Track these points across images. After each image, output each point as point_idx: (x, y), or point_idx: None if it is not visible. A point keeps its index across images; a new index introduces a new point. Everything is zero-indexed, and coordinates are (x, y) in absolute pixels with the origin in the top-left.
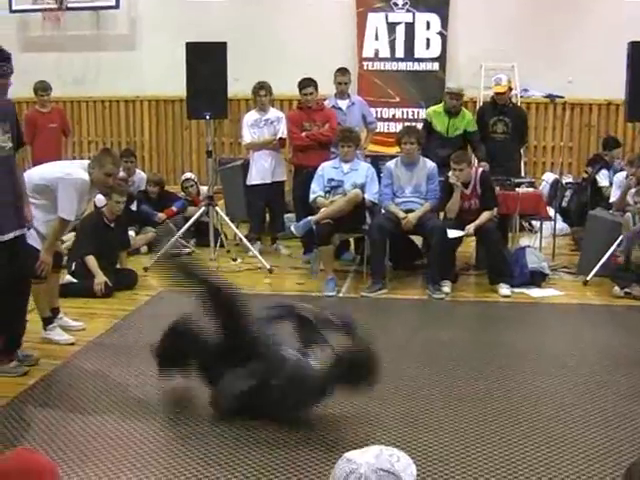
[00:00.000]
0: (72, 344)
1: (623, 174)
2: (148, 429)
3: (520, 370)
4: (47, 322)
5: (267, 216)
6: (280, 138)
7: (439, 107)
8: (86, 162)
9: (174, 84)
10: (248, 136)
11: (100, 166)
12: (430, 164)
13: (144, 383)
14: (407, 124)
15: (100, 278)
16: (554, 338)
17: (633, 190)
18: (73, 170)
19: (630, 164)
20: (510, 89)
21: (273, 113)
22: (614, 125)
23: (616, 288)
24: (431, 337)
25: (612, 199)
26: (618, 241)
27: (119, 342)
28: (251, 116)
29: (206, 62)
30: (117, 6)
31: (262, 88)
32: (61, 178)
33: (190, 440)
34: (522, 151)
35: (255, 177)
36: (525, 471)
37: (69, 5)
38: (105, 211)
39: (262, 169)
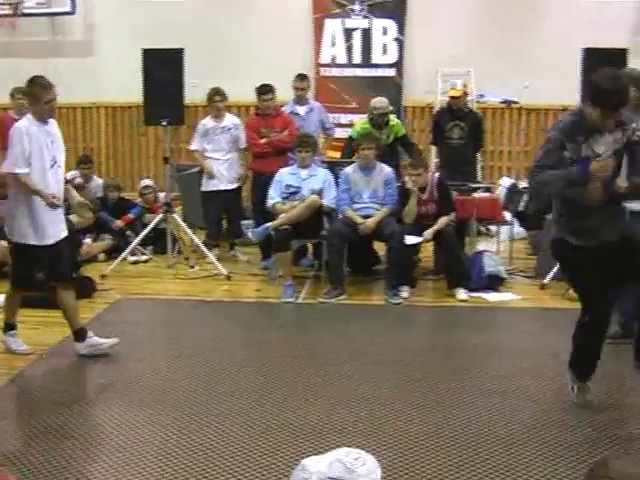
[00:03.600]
0: (30, 354)
1: None
2: (100, 449)
3: (479, 373)
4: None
5: (224, 222)
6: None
7: (365, 123)
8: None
9: (131, 90)
10: (195, 145)
11: (37, 100)
12: (387, 169)
13: (103, 392)
14: None
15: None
16: (512, 341)
17: None
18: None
19: None
20: (466, 94)
21: (229, 120)
22: None
23: (571, 291)
24: (390, 342)
25: None
26: None
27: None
28: (207, 124)
29: (163, 68)
30: (73, 12)
31: (217, 94)
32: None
33: (139, 462)
34: (478, 156)
35: (210, 184)
36: (488, 473)
37: (24, 11)
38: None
39: (218, 176)
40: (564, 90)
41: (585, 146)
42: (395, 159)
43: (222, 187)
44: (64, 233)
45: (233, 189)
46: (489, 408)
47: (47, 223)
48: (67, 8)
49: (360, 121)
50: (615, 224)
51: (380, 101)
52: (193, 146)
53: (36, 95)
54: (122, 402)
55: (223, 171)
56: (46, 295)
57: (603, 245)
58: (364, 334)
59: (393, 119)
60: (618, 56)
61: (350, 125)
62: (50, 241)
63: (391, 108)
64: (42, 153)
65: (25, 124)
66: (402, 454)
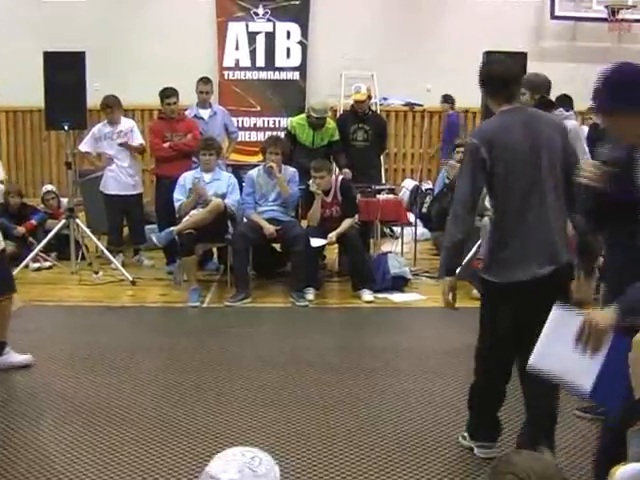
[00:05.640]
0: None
1: None
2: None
3: (384, 373)
4: None
5: (127, 227)
6: (139, 145)
7: (302, 119)
8: None
9: (32, 94)
10: (86, 147)
11: None
12: (290, 170)
13: (7, 402)
14: (270, 133)
15: None
16: (417, 341)
17: None
18: None
19: None
20: (370, 97)
21: (124, 124)
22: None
23: (475, 291)
24: (296, 344)
25: None
26: (477, 245)
27: None
28: (103, 129)
29: (65, 71)
30: None
31: (108, 106)
32: None
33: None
34: (382, 158)
35: (113, 187)
36: (386, 470)
37: None
38: None
39: (119, 180)
40: (466, 93)
41: None
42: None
43: (123, 192)
44: None
45: (134, 195)
46: (390, 408)
47: None
48: None
49: (297, 117)
50: None
51: (319, 103)
52: (84, 148)
53: None
54: (27, 410)
55: (123, 177)
56: None
57: None
58: (270, 337)
59: (330, 122)
60: (518, 59)
61: (253, 128)
62: None
63: (329, 113)
64: None
65: None
66: (303, 455)
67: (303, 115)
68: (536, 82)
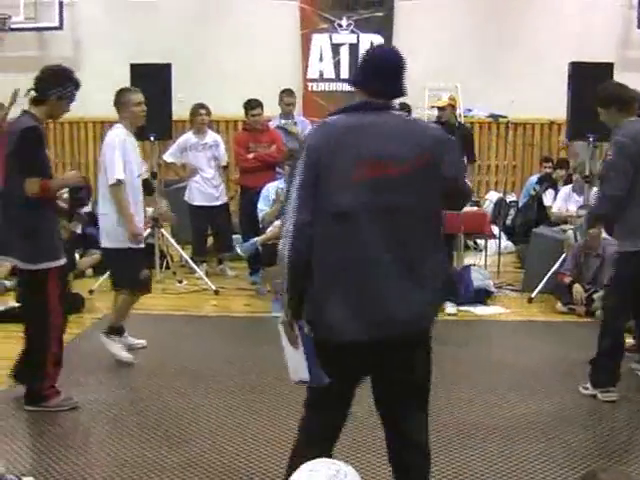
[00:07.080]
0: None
1: (568, 187)
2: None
3: (468, 386)
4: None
5: (212, 237)
6: (223, 166)
7: None
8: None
9: None
10: (172, 158)
11: (125, 105)
12: None
13: (91, 408)
14: None
15: None
16: (500, 354)
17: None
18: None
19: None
20: (452, 107)
21: (211, 137)
22: (556, 144)
23: (559, 304)
24: None
25: (554, 210)
26: (561, 259)
27: (65, 365)
28: (189, 139)
29: (151, 83)
30: (61, 27)
31: (202, 107)
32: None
33: None
34: (470, 169)
35: (199, 198)
36: None
37: (12, 26)
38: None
39: (204, 191)
40: (550, 105)
41: None
42: None
43: (208, 203)
44: None
45: (219, 205)
46: (472, 421)
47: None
48: (55, 23)
49: None
50: None
51: None
52: (170, 158)
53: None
54: (111, 418)
55: (208, 188)
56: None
57: None
58: None
59: None
60: (605, 70)
61: None
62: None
63: None
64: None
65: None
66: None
67: None
68: None
